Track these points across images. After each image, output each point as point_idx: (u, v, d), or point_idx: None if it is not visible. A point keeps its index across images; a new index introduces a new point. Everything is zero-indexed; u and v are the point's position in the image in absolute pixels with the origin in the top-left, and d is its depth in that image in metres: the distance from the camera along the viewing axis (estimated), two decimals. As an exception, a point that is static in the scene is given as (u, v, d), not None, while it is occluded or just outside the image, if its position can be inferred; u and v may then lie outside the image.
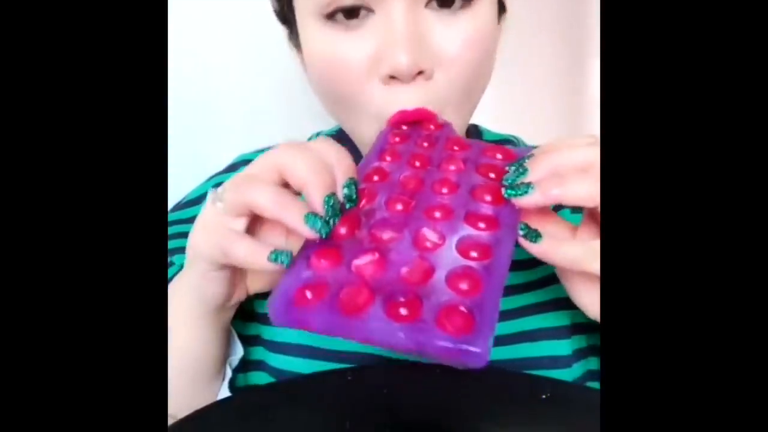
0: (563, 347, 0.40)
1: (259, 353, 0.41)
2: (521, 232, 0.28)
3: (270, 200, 0.28)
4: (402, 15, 0.34)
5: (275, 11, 0.44)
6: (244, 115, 0.72)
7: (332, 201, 0.28)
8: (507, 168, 0.31)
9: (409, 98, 0.36)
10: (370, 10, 0.35)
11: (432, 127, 0.36)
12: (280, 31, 0.45)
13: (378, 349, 0.39)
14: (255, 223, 0.31)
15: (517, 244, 0.29)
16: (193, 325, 0.35)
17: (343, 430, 0.31)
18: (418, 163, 0.33)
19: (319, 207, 0.28)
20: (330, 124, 0.52)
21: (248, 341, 0.41)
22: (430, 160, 0.34)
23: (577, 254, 0.28)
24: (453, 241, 0.28)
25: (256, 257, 0.28)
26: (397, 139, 0.35)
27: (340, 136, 0.45)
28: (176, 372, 0.36)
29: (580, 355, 0.40)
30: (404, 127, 0.36)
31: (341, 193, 0.29)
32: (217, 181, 0.49)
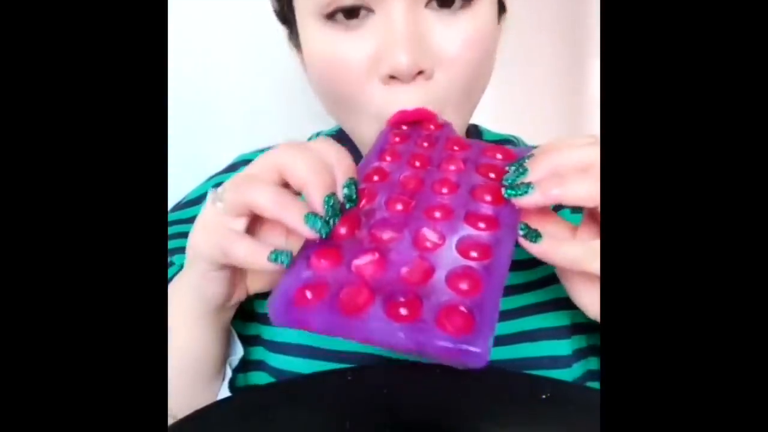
0: (563, 347, 0.40)
1: (259, 353, 0.41)
2: (521, 232, 0.28)
3: (270, 200, 0.28)
4: (402, 15, 0.34)
5: (275, 11, 0.44)
6: (244, 115, 0.72)
7: (332, 201, 0.28)
8: (507, 168, 0.31)
9: (409, 98, 0.36)
10: (370, 10, 0.35)
11: (432, 127, 0.36)
12: (280, 31, 0.45)
13: (378, 349, 0.39)
14: (255, 224, 0.31)
15: (517, 244, 0.29)
16: (193, 325, 0.35)
17: (343, 430, 0.31)
18: (418, 163, 0.33)
19: (319, 207, 0.28)
20: (330, 124, 0.52)
21: (248, 341, 0.41)
22: (430, 160, 0.33)
23: (577, 254, 0.28)
24: (453, 241, 0.28)
25: (256, 257, 0.28)
26: (397, 139, 0.35)
27: (340, 136, 0.45)
28: (176, 371, 0.36)
29: (580, 355, 0.40)
30: (404, 127, 0.36)
31: (341, 193, 0.29)
32: (217, 181, 0.49)
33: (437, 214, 0.29)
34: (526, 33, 0.83)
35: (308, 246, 0.28)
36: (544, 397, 0.32)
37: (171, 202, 0.50)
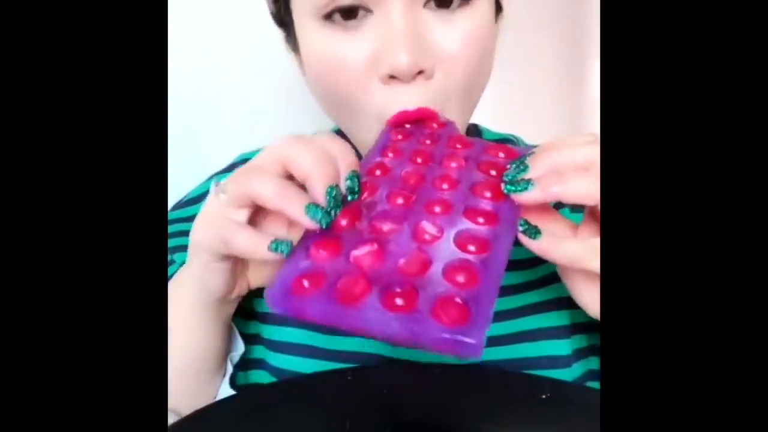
0: (563, 347, 0.40)
1: (260, 352, 0.41)
2: (521, 228, 0.28)
3: (272, 191, 0.28)
4: (401, 15, 0.34)
5: (272, 13, 0.44)
6: (244, 115, 0.72)
7: (335, 192, 0.28)
8: (508, 165, 0.31)
9: (409, 98, 0.36)
10: (368, 11, 0.35)
11: (435, 125, 0.36)
12: (279, 32, 0.45)
13: (378, 349, 0.40)
14: (258, 216, 0.31)
15: (517, 244, 0.29)
16: (194, 319, 0.35)
17: (343, 430, 0.31)
18: (419, 160, 0.33)
19: (322, 198, 0.28)
20: (330, 125, 0.52)
21: (248, 340, 0.41)
22: (431, 156, 0.34)
23: (577, 252, 0.28)
24: (451, 234, 0.28)
25: (257, 247, 0.28)
26: (400, 136, 0.35)
27: (340, 136, 0.45)
28: (177, 371, 0.36)
29: (580, 354, 0.40)
30: (407, 126, 0.36)
31: (344, 185, 0.29)
32: (217, 180, 0.49)
33: (437, 209, 0.29)
34: (526, 33, 0.83)
35: (308, 236, 0.28)
36: (544, 397, 0.32)
37: (171, 202, 0.50)
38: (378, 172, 0.33)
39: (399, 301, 0.24)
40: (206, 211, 0.31)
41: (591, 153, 0.28)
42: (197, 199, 0.48)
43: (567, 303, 0.34)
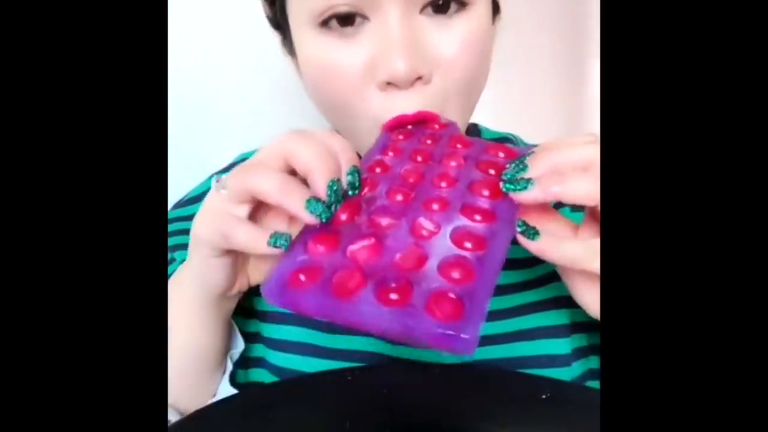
0: (562, 346, 0.40)
1: (259, 350, 0.41)
2: (519, 229, 0.28)
3: (272, 186, 0.28)
4: (397, 22, 0.34)
5: (267, 17, 0.44)
6: (244, 115, 0.72)
7: (336, 186, 0.28)
8: (507, 165, 0.31)
9: (407, 104, 0.36)
10: (365, 18, 0.35)
11: (437, 126, 0.36)
12: (276, 35, 0.45)
13: (379, 348, 0.40)
14: (259, 211, 0.32)
15: (516, 243, 0.29)
16: (195, 314, 0.35)
17: (343, 430, 0.31)
18: (419, 158, 0.34)
19: (323, 192, 0.28)
20: (329, 125, 0.52)
21: (248, 338, 0.41)
22: (431, 155, 0.34)
23: (576, 253, 0.28)
24: (448, 230, 0.28)
25: (256, 242, 0.28)
26: (401, 136, 0.36)
27: None
28: (177, 371, 0.36)
29: (580, 354, 0.40)
30: (409, 126, 0.36)
31: (345, 180, 0.29)
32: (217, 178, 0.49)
33: (435, 206, 0.29)
34: (526, 33, 0.83)
35: (307, 231, 0.29)
36: (543, 397, 0.32)
37: (171, 202, 0.50)
38: (378, 170, 0.33)
39: (393, 296, 0.24)
40: (207, 206, 0.31)
41: (591, 153, 0.28)
42: (197, 198, 0.48)
43: (566, 302, 0.34)
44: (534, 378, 0.34)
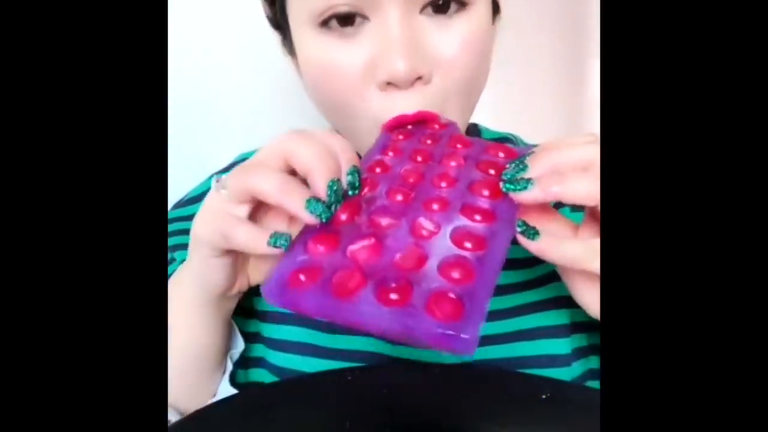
0: (562, 346, 0.40)
1: (259, 350, 0.41)
2: (519, 229, 0.28)
3: (272, 186, 0.28)
4: (398, 22, 0.34)
5: (267, 17, 0.44)
6: (244, 115, 0.72)
7: (336, 186, 0.28)
8: (507, 165, 0.31)
9: (407, 104, 0.36)
10: (365, 18, 0.35)
11: (437, 126, 0.36)
12: (276, 34, 0.45)
13: (379, 348, 0.40)
14: (259, 211, 0.32)
15: (516, 243, 0.29)
16: (195, 314, 0.35)
17: (343, 430, 0.31)
18: (419, 158, 0.34)
19: (323, 192, 0.28)
20: (329, 125, 0.52)
21: (248, 338, 0.41)
22: (431, 155, 0.34)
23: (576, 253, 0.28)
24: (448, 230, 0.28)
25: (256, 242, 0.28)
26: (401, 136, 0.36)
27: None
28: (177, 371, 0.36)
29: (580, 354, 0.40)
30: (409, 126, 0.36)
31: (345, 180, 0.29)
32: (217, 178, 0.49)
33: (435, 206, 0.29)
34: (526, 33, 0.83)
35: (307, 231, 0.29)
36: (543, 397, 0.32)
37: (171, 202, 0.50)
38: (378, 170, 0.33)
39: (393, 296, 0.24)
40: (207, 206, 0.31)
41: (591, 153, 0.28)
42: (197, 198, 0.48)
43: (566, 302, 0.34)
44: (534, 378, 0.34)
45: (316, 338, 0.40)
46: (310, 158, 0.29)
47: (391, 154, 0.34)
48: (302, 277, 0.26)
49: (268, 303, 0.26)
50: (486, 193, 0.30)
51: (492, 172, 0.32)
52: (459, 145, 0.35)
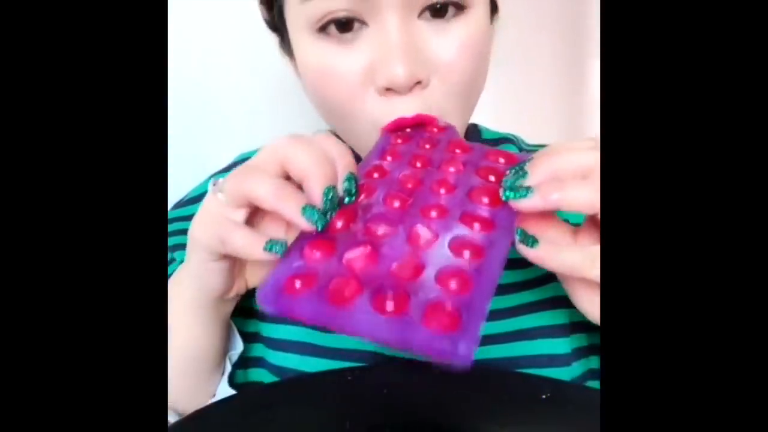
0: (561, 345, 0.40)
1: (259, 350, 0.41)
2: (518, 237, 0.28)
3: (268, 191, 0.28)
4: (396, 27, 0.34)
5: (265, 20, 0.44)
6: (244, 115, 0.72)
7: (331, 194, 0.28)
8: (507, 171, 0.31)
9: (406, 108, 0.36)
10: (363, 23, 0.35)
11: (435, 129, 0.36)
12: (274, 36, 0.45)
13: (377, 347, 0.40)
14: (256, 216, 0.31)
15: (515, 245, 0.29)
16: (193, 316, 0.35)
17: (343, 430, 0.31)
18: (418, 164, 0.33)
19: (318, 199, 0.28)
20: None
21: (247, 338, 0.41)
22: (430, 160, 0.34)
23: (575, 261, 0.28)
24: (446, 239, 0.28)
25: (252, 247, 0.28)
26: (399, 140, 0.35)
27: (337, 137, 0.45)
28: (176, 371, 0.36)
29: (580, 353, 0.40)
30: (408, 130, 0.36)
31: (341, 186, 0.29)
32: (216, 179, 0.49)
33: (433, 213, 0.29)
34: (525, 33, 0.83)
35: (303, 237, 0.28)
36: (544, 397, 0.32)
37: (171, 202, 0.50)
38: (376, 175, 0.33)
39: (390, 305, 0.24)
40: (205, 209, 0.31)
41: (591, 159, 0.28)
42: (197, 198, 0.48)
43: (566, 302, 0.34)
44: (534, 378, 0.34)
45: (315, 338, 0.40)
46: (307, 164, 0.29)
47: (389, 158, 0.34)
48: (298, 283, 0.26)
49: (263, 309, 0.26)
50: (485, 200, 0.30)
51: (492, 178, 0.32)
52: (458, 150, 0.34)
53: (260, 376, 0.41)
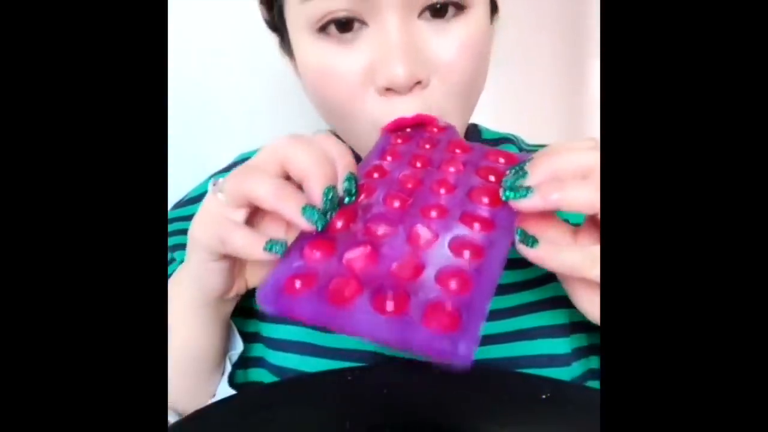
0: (561, 345, 0.40)
1: (259, 350, 0.41)
2: (518, 237, 0.28)
3: (268, 192, 0.28)
4: (396, 27, 0.34)
5: (265, 20, 0.44)
6: (244, 115, 0.72)
7: (331, 194, 0.28)
8: (507, 171, 0.31)
9: (407, 107, 0.36)
10: (363, 23, 0.35)
11: (435, 129, 0.36)
12: (274, 36, 0.45)
13: (377, 347, 0.40)
14: (256, 216, 0.31)
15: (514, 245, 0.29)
16: (193, 316, 0.35)
17: (343, 430, 0.31)
18: (418, 164, 0.33)
19: (318, 199, 0.28)
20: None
21: (247, 338, 0.41)
22: (430, 160, 0.34)
23: (575, 261, 0.28)
24: (446, 239, 0.28)
25: (252, 247, 0.28)
26: (399, 140, 0.35)
27: (337, 137, 0.45)
28: (176, 363, 0.36)
29: (580, 353, 0.40)
30: (408, 130, 0.36)
31: (341, 186, 0.29)
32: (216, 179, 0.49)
33: (433, 213, 0.29)
34: (525, 33, 0.83)
35: (303, 237, 0.28)
36: (544, 397, 0.32)
37: (171, 202, 0.50)
38: (376, 175, 0.33)
39: (390, 305, 0.24)
40: (205, 209, 0.31)
41: (591, 160, 0.28)
42: (197, 198, 0.48)
43: (566, 302, 0.34)
44: (534, 378, 0.34)
45: (315, 337, 0.40)
46: (307, 164, 0.29)
47: (389, 158, 0.34)
48: (298, 283, 0.26)
49: (263, 309, 0.26)
50: (485, 200, 0.30)
51: (492, 178, 0.32)
52: (458, 150, 0.34)
53: (260, 375, 0.41)
